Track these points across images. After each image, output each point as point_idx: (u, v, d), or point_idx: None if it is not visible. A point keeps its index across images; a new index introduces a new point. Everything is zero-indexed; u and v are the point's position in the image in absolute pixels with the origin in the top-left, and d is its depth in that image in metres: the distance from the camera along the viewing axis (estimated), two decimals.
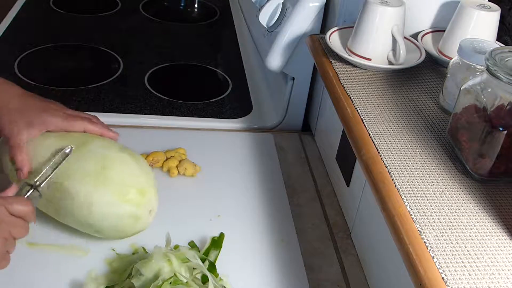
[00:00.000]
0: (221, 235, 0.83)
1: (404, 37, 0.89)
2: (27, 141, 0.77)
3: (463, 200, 0.64)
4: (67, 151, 0.76)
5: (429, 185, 0.65)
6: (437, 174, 0.67)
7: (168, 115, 1.13)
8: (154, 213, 0.80)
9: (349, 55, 0.89)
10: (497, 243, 0.58)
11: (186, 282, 0.70)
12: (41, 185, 0.73)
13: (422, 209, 0.62)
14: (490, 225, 0.60)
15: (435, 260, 0.55)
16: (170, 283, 0.68)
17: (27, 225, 0.68)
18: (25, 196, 0.71)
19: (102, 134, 0.82)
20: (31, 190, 0.72)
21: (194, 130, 1.09)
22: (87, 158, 0.76)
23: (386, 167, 0.67)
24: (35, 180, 0.73)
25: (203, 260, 0.76)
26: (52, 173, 0.74)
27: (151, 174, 0.80)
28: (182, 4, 1.77)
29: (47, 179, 0.74)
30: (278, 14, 1.07)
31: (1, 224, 0.64)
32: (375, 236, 0.78)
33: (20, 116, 0.77)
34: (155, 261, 0.71)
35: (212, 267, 0.76)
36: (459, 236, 0.59)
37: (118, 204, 0.75)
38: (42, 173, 0.74)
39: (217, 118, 1.14)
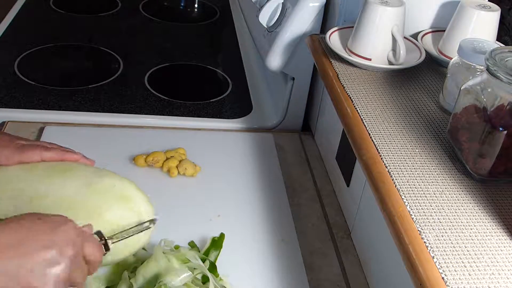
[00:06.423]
0: (221, 235, 0.83)
1: (404, 37, 0.89)
2: None
3: (463, 200, 0.64)
4: (151, 224, 0.67)
5: (429, 185, 0.65)
6: (437, 174, 0.67)
7: (168, 115, 1.13)
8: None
9: (349, 55, 0.89)
10: (497, 243, 0.58)
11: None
12: (112, 243, 0.64)
13: (422, 209, 0.61)
14: (490, 225, 0.60)
15: (435, 260, 0.55)
16: None
17: (86, 273, 0.59)
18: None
19: (63, 159, 0.71)
20: (103, 241, 0.63)
21: (194, 130, 1.09)
22: None
23: (386, 167, 0.67)
24: (114, 234, 0.65)
25: (203, 260, 0.76)
26: (128, 236, 0.66)
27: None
28: (182, 4, 1.77)
29: (118, 240, 0.65)
30: (278, 14, 1.07)
31: (71, 261, 0.55)
32: (375, 236, 0.78)
33: None
34: (155, 261, 0.71)
35: (212, 267, 0.76)
36: (459, 236, 0.59)
37: None
38: (121, 231, 0.65)
39: (217, 118, 1.14)
